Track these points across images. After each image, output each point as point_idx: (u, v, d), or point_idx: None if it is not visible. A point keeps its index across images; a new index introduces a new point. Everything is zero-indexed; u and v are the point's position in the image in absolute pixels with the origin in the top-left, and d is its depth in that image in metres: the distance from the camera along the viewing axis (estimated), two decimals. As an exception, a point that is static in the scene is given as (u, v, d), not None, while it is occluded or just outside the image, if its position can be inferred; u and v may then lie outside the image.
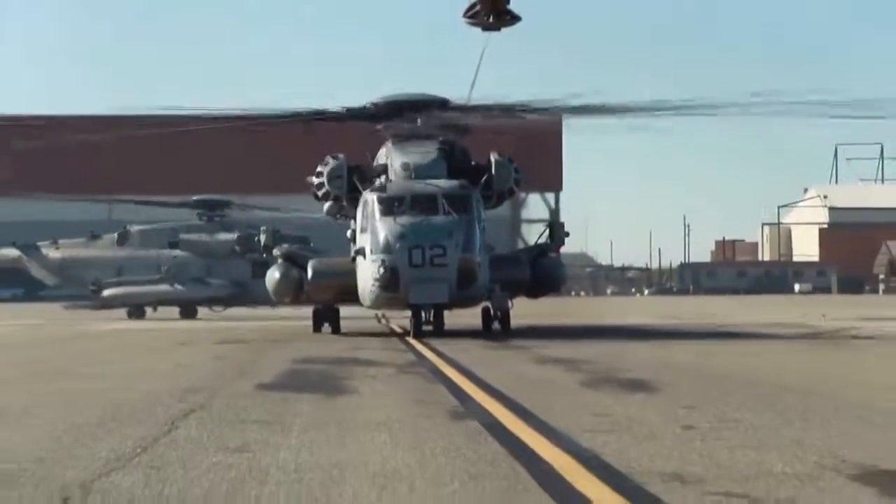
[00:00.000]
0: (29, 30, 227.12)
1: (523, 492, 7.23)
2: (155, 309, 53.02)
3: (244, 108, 37.20)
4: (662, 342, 27.26)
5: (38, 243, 56.08)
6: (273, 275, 33.31)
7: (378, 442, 9.54)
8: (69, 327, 39.83)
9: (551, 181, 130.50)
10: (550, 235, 34.44)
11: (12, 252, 56.69)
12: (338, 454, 8.83)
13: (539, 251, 34.29)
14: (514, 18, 30.03)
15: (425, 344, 24.96)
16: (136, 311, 52.30)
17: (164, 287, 52.20)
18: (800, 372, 17.99)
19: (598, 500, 6.84)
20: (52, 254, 55.40)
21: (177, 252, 52.48)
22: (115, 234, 54.58)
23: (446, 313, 29.30)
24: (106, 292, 52.83)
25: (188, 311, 53.03)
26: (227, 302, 52.27)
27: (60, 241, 55.70)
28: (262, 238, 34.88)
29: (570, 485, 7.39)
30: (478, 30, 30.80)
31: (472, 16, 30.05)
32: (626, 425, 10.61)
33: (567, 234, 34.67)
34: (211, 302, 52.78)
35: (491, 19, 29.81)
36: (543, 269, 33.48)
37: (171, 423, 10.83)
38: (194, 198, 54.96)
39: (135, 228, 54.64)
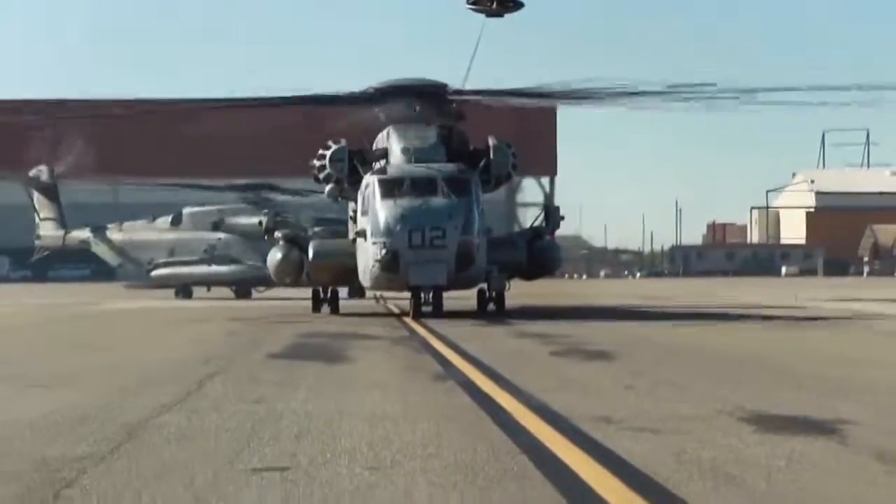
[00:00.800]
0: (53, 16, 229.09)
1: (481, 427, 9.21)
2: (209, 289, 54.20)
3: (250, 93, 37.59)
4: (637, 320, 29.15)
5: (108, 225, 57.87)
6: (275, 256, 34.05)
7: (371, 396, 11.50)
8: (111, 304, 41.75)
9: (546, 166, 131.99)
10: (546, 219, 34.78)
11: (84, 233, 58.57)
12: (338, 404, 10.80)
13: (535, 234, 34.63)
14: (516, 5, 30.40)
15: (419, 322, 26.65)
16: (183, 291, 53.64)
17: (203, 268, 53.94)
18: (746, 344, 19.91)
19: (537, 432, 8.81)
20: (115, 235, 57.02)
21: (220, 234, 54.02)
22: (170, 217, 56.31)
23: (444, 295, 29.70)
24: (154, 273, 54.47)
25: (242, 292, 53.77)
26: (269, 282, 52.92)
27: (125, 224, 57.60)
28: (264, 221, 35.40)
29: (518, 422, 9.38)
30: (480, 16, 31.19)
31: (476, 2, 30.45)
32: (579, 385, 12.58)
33: (562, 218, 34.93)
34: (251, 282, 53.28)
35: (494, 6, 30.13)
36: (539, 252, 33.88)
37: (199, 382, 12.81)
38: (240, 182, 56.56)
39: (186, 211, 56.02)
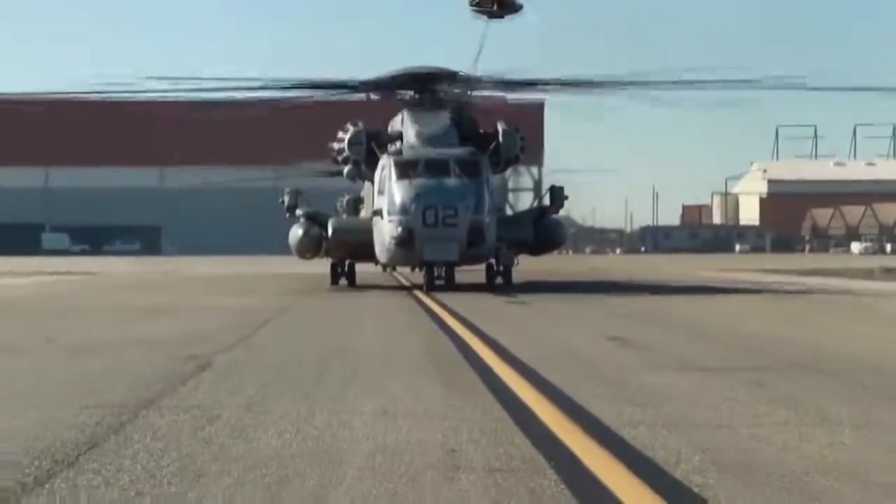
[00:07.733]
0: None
1: (416, 309, 23.79)
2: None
3: (268, 81, 37.93)
4: (567, 287, 38.91)
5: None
6: (296, 232, 34.17)
7: (376, 300, 26.03)
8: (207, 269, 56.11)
9: (534, 156, 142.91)
10: (551, 199, 35.04)
11: None
12: (363, 301, 25.43)
13: (540, 213, 35.23)
14: (515, 8, 31.78)
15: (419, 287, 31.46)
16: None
17: None
18: (596, 288, 34.02)
19: (437, 311, 23.26)
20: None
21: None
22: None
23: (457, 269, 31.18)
24: None
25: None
26: None
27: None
28: (287, 199, 35.04)
29: (431, 308, 23.87)
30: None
31: (479, 4, 32.05)
32: (470, 302, 26.96)
33: (566, 198, 35.09)
34: None
35: (495, 8, 31.50)
36: (545, 230, 34.30)
37: (300, 296, 27.38)
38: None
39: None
